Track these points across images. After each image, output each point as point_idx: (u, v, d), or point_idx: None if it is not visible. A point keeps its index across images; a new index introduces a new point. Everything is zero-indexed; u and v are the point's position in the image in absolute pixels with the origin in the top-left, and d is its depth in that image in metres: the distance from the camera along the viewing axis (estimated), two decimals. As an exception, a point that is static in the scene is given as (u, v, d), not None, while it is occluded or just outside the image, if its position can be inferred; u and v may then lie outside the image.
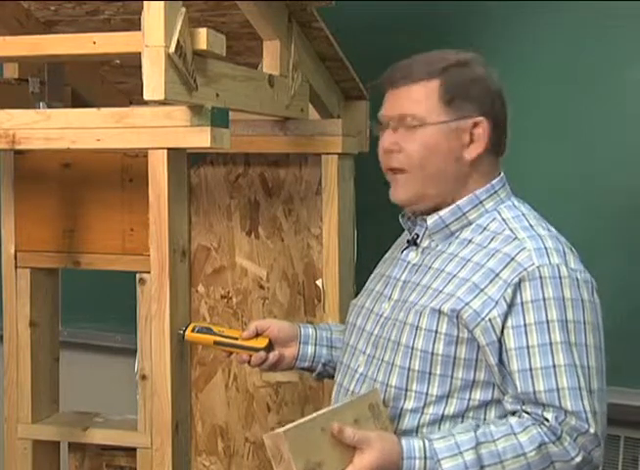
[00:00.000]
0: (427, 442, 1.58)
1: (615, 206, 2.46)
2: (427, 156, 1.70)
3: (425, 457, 1.57)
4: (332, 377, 1.93)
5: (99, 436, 2.26)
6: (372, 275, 1.90)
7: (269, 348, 1.92)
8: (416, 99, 1.71)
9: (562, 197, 2.47)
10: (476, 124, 1.72)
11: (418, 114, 1.70)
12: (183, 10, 1.66)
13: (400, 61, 1.76)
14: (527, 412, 1.60)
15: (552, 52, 2.50)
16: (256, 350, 1.91)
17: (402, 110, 1.71)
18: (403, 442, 1.58)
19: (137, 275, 2.15)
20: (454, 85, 1.71)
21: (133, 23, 1.82)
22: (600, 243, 2.37)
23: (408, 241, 1.80)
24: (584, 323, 1.62)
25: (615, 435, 2.45)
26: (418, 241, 1.78)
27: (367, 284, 1.89)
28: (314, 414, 1.60)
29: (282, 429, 1.52)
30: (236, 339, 1.92)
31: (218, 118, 1.77)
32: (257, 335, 1.92)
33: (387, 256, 1.92)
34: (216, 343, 1.93)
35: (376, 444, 1.56)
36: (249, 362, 1.92)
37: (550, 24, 2.50)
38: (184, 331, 1.88)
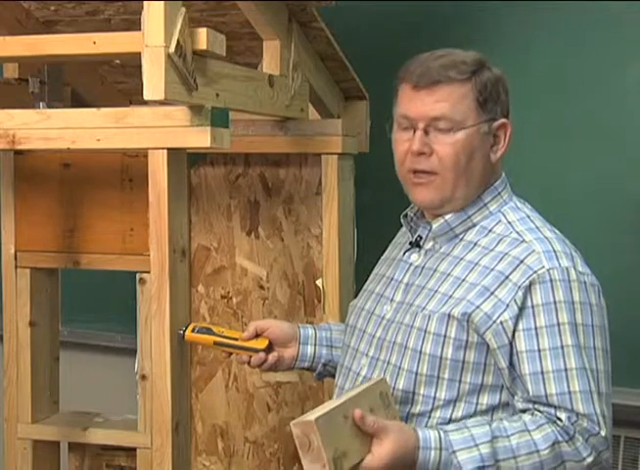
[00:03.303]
0: (442, 433, 1.58)
1: (615, 207, 2.45)
2: (461, 159, 1.67)
3: (440, 448, 1.56)
4: (333, 376, 1.93)
5: (99, 436, 2.25)
6: (371, 276, 1.89)
7: (269, 348, 1.92)
8: (452, 101, 1.66)
9: (561, 198, 2.46)
10: (502, 126, 1.71)
11: (454, 117, 1.66)
12: (183, 10, 1.66)
13: (414, 58, 1.70)
14: (540, 411, 1.60)
15: (552, 51, 2.50)
16: (256, 350, 1.91)
17: (436, 112, 1.66)
18: (419, 432, 1.57)
19: (137, 275, 2.15)
20: (485, 87, 1.68)
21: (133, 23, 1.82)
22: (599, 243, 2.37)
23: (410, 242, 1.79)
24: (592, 327, 1.63)
25: (615, 435, 2.44)
26: (421, 243, 1.77)
27: (366, 285, 1.89)
28: (336, 401, 1.57)
29: (312, 416, 1.48)
30: (236, 339, 1.92)
31: (218, 118, 1.77)
32: (257, 335, 1.92)
33: (384, 256, 1.91)
34: (216, 343, 1.93)
35: (394, 433, 1.55)
36: (248, 363, 1.92)
37: (550, 24, 2.49)
38: (184, 331, 1.88)
